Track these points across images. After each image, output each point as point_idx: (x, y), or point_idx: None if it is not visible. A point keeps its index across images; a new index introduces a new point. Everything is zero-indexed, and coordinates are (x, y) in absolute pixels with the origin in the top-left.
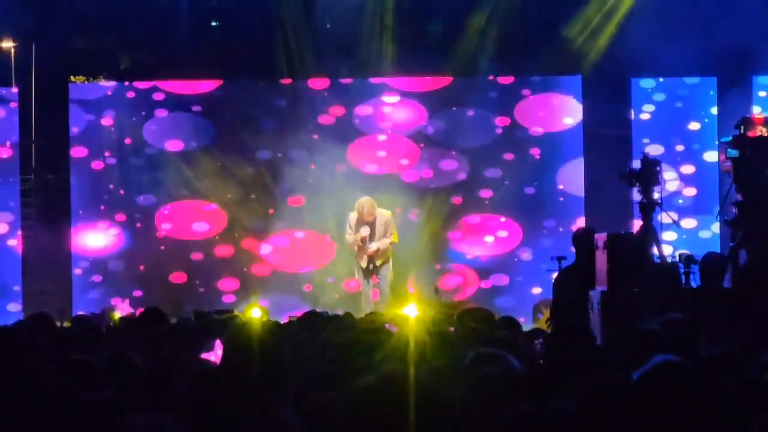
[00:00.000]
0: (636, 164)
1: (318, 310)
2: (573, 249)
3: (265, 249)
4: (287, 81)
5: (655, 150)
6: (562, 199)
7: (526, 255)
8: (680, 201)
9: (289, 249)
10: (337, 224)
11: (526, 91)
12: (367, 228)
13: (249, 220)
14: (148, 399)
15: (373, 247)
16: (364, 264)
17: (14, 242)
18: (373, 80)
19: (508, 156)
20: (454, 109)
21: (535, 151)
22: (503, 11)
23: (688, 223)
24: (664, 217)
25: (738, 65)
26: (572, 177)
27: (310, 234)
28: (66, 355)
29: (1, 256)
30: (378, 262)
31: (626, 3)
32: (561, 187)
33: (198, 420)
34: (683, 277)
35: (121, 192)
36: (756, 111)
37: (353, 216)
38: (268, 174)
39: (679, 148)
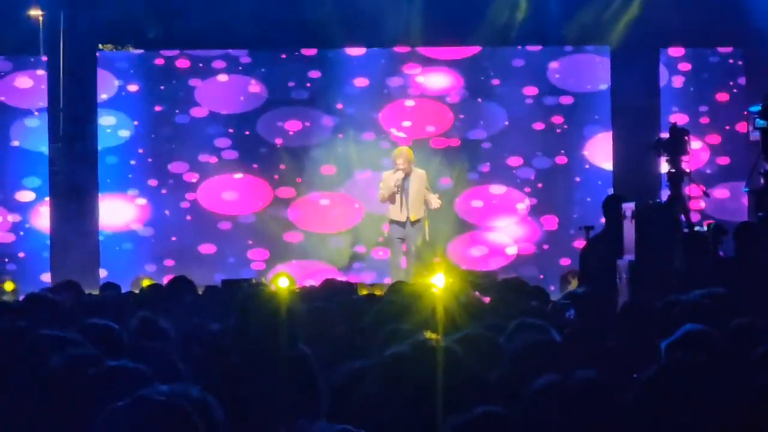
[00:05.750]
0: (664, 134)
1: (346, 277)
2: (603, 219)
3: (294, 216)
4: (314, 51)
5: (681, 119)
6: (587, 166)
7: (554, 224)
8: (709, 171)
9: (318, 217)
10: (366, 192)
11: (554, 62)
12: (401, 172)
13: (278, 188)
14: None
15: (435, 202)
16: (402, 217)
17: (44, 209)
18: (401, 49)
19: (537, 125)
20: (481, 77)
21: (563, 121)
22: None
23: (718, 193)
24: (693, 189)
25: (765, 35)
26: (600, 147)
27: (338, 201)
28: (93, 322)
29: (30, 224)
30: (412, 218)
31: None
32: (586, 153)
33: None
34: (712, 246)
35: (149, 160)
36: None
37: (387, 172)
38: (296, 143)
39: (706, 119)
